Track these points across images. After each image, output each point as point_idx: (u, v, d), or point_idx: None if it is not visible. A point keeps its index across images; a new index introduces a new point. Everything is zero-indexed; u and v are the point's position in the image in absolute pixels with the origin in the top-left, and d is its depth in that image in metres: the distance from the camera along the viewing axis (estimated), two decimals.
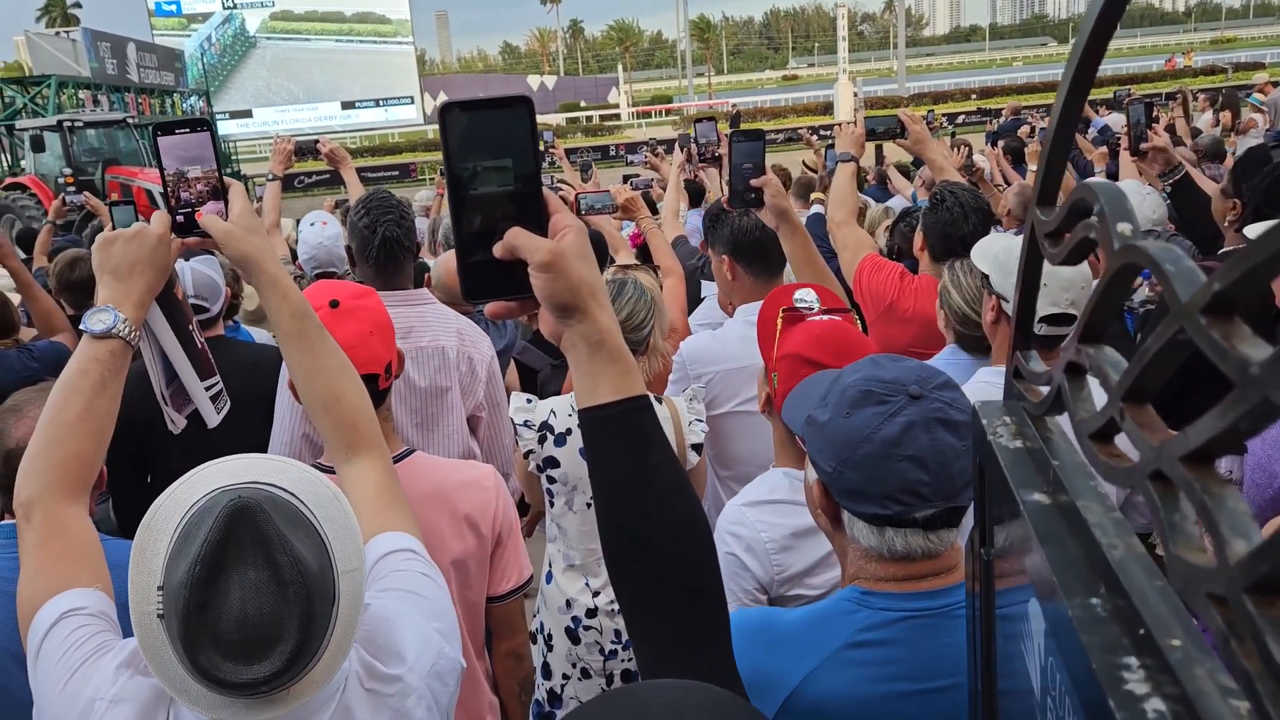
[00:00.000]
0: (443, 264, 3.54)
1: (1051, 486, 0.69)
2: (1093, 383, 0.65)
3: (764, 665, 1.05)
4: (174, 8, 44.89)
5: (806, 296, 1.99)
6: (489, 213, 0.91)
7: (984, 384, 2.20)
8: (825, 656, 1.24)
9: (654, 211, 5.88)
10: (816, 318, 1.93)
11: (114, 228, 4.39)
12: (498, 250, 0.90)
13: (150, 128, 1.52)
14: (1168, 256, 0.48)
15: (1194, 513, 0.44)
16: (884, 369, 1.29)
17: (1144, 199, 3.11)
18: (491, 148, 0.90)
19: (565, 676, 2.67)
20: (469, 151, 0.90)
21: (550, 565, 2.73)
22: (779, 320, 1.94)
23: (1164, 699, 0.46)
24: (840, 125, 3.53)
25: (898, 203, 6.89)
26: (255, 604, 1.00)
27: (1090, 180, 0.62)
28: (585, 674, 2.65)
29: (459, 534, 1.90)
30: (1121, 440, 0.58)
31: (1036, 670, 0.69)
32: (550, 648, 2.68)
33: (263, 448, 2.27)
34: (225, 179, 1.46)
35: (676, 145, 6.81)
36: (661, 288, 3.32)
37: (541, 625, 2.73)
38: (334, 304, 1.79)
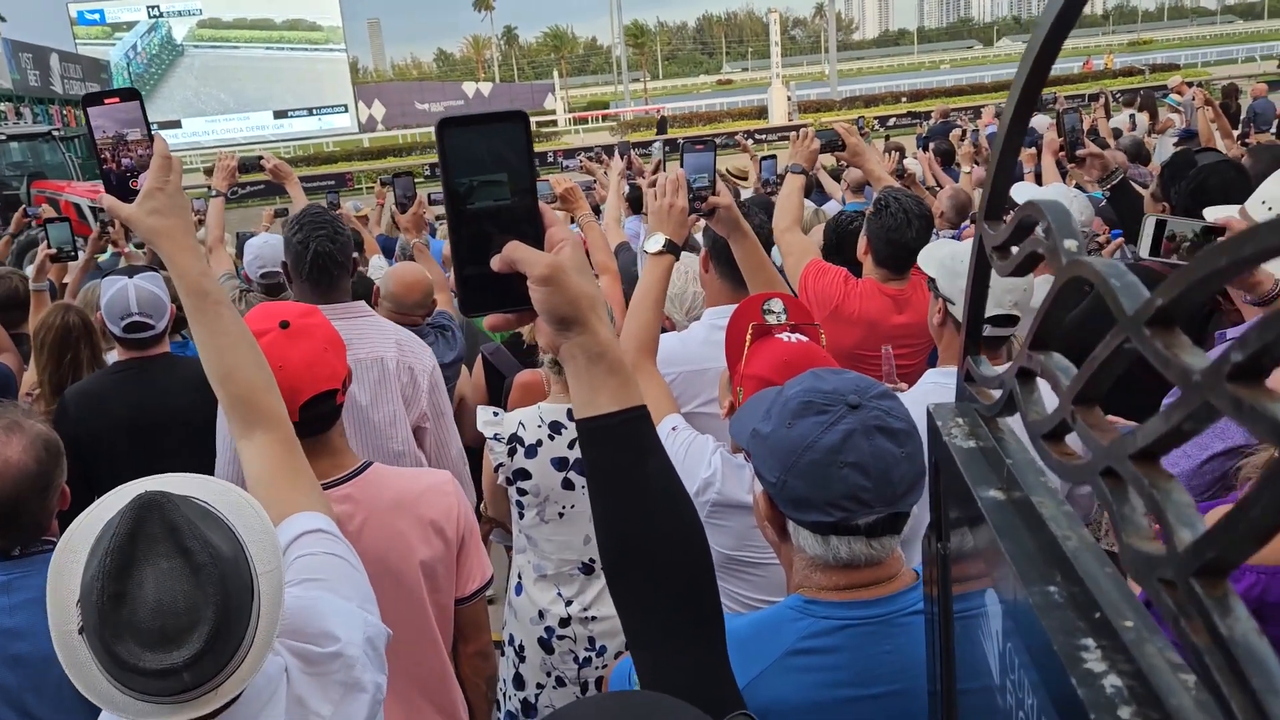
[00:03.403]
0: (393, 276, 3.53)
1: (1006, 483, 0.74)
2: (1042, 385, 0.70)
3: None
4: (97, 16, 43.76)
5: (776, 307, 2.03)
6: (486, 227, 0.92)
7: (933, 384, 2.27)
8: (768, 664, 1.28)
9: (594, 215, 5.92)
10: (785, 333, 1.97)
11: (49, 246, 4.28)
12: (496, 264, 0.91)
13: (80, 101, 1.53)
14: (1112, 272, 0.53)
15: (1143, 505, 0.49)
16: (824, 380, 1.33)
17: (1071, 202, 3.23)
18: (488, 163, 0.92)
19: (539, 686, 2.68)
20: (466, 167, 0.91)
21: (519, 577, 2.74)
22: (748, 334, 1.98)
23: (1119, 675, 0.50)
24: (794, 136, 3.58)
25: (832, 206, 7.01)
26: (170, 591, 1.01)
27: (1036, 199, 0.66)
28: (560, 682, 2.67)
29: (425, 540, 1.93)
30: (1072, 439, 0.63)
31: (995, 658, 0.73)
32: (522, 659, 2.69)
33: (212, 467, 2.26)
34: (156, 145, 1.47)
35: (616, 152, 6.85)
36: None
37: (511, 637, 2.74)
38: (284, 324, 1.80)
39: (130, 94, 1.49)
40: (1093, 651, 0.53)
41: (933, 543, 0.97)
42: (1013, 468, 0.73)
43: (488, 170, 0.92)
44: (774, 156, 7.07)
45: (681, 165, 2.41)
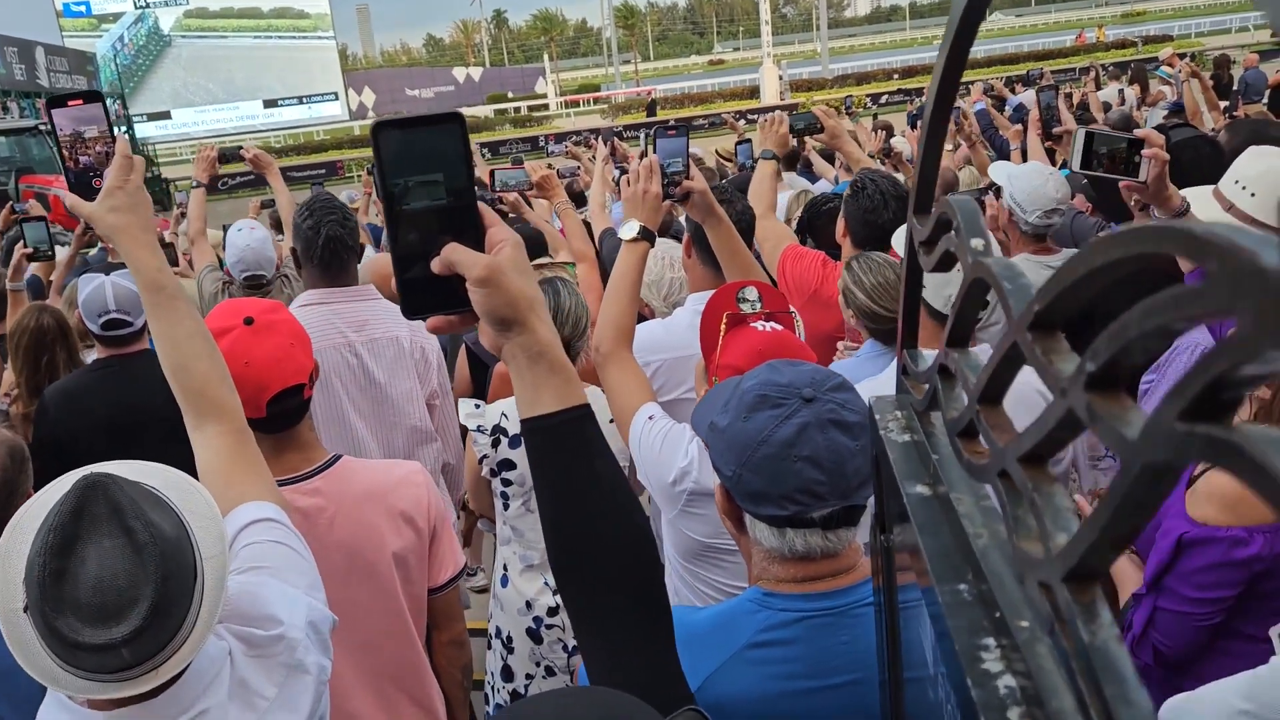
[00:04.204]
0: (371, 267, 3.53)
1: (932, 479, 0.74)
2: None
3: None
4: (83, 8, 43.38)
5: (750, 295, 2.03)
6: (425, 228, 0.92)
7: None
8: (727, 656, 1.29)
9: (580, 204, 5.90)
10: (759, 322, 1.97)
11: (25, 245, 4.26)
12: (435, 266, 0.91)
13: (44, 103, 1.62)
14: (1006, 274, 0.53)
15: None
16: (780, 374, 1.34)
17: (1048, 180, 3.22)
18: (424, 164, 0.91)
19: (529, 676, 2.69)
20: (402, 168, 0.91)
21: (505, 569, 2.75)
22: (723, 324, 1.98)
23: (1014, 675, 0.51)
24: (762, 120, 3.56)
25: (822, 186, 6.98)
26: (111, 568, 1.04)
27: (951, 196, 0.66)
28: (550, 672, 2.68)
29: (396, 530, 1.94)
30: None
31: (929, 649, 0.74)
32: (510, 650, 2.70)
33: (193, 463, 2.27)
34: (118, 145, 1.53)
35: (600, 138, 6.82)
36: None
37: (499, 629, 2.74)
38: (249, 321, 1.80)
39: (93, 96, 1.55)
40: (992, 651, 0.53)
41: (876, 534, 0.97)
42: (938, 463, 0.73)
43: (424, 171, 0.91)
44: (748, 141, 7.03)
45: (655, 151, 2.40)
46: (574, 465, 0.96)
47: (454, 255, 0.90)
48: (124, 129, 30.79)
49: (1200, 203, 2.15)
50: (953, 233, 0.64)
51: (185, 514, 1.15)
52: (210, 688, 1.17)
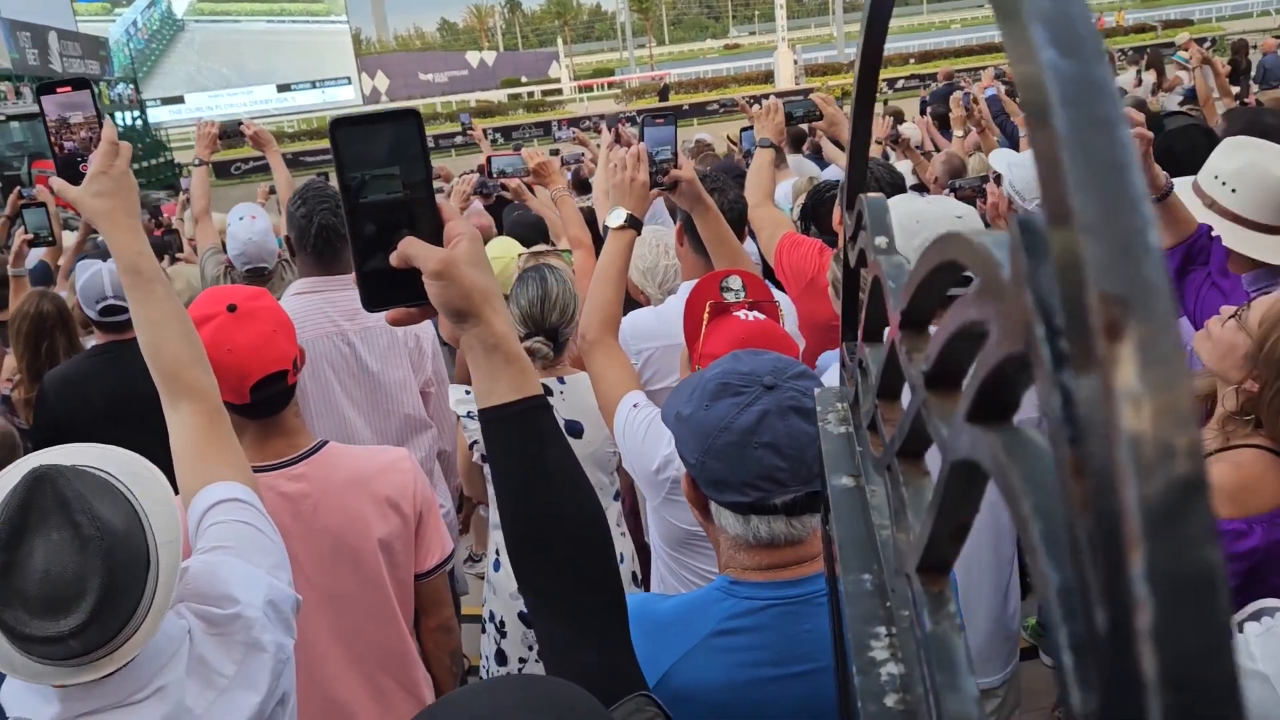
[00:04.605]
0: None
1: (855, 470, 0.75)
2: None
3: (640, 651, 1.12)
4: None
5: (734, 284, 2.04)
6: (382, 222, 0.94)
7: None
8: (693, 644, 1.31)
9: (585, 190, 5.90)
10: (743, 310, 1.98)
11: (26, 231, 4.29)
12: (393, 260, 0.94)
13: (34, 88, 1.65)
14: (892, 274, 0.54)
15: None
16: (742, 362, 1.35)
17: None
18: (381, 158, 0.94)
19: (522, 660, 2.72)
20: (359, 162, 0.93)
21: (498, 553, 2.77)
22: (706, 312, 1.99)
23: (895, 663, 0.52)
24: (758, 108, 3.53)
25: (832, 172, 6.97)
26: (58, 562, 1.06)
27: (865, 195, 0.67)
28: None
29: (382, 516, 1.96)
30: None
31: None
32: (503, 634, 2.73)
33: None
34: (104, 131, 1.56)
35: (604, 124, 6.81)
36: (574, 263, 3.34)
37: (492, 614, 2.77)
38: (231, 308, 1.82)
39: (81, 83, 1.60)
40: (881, 640, 0.55)
41: (823, 523, 0.99)
42: (861, 455, 0.75)
43: (381, 165, 0.94)
44: (751, 127, 6.99)
45: (642, 139, 2.40)
46: (528, 454, 0.98)
47: (409, 249, 0.93)
48: (137, 114, 30.91)
49: (1183, 196, 2.12)
50: (864, 230, 0.65)
51: (141, 501, 1.17)
52: (168, 665, 1.20)
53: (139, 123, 30.89)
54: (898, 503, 0.52)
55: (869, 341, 0.67)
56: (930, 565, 0.42)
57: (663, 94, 36.23)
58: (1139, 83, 11.02)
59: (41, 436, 2.80)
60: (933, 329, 0.48)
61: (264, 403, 1.84)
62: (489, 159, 4.42)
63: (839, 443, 0.82)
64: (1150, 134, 2.12)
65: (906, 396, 0.63)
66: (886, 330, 0.53)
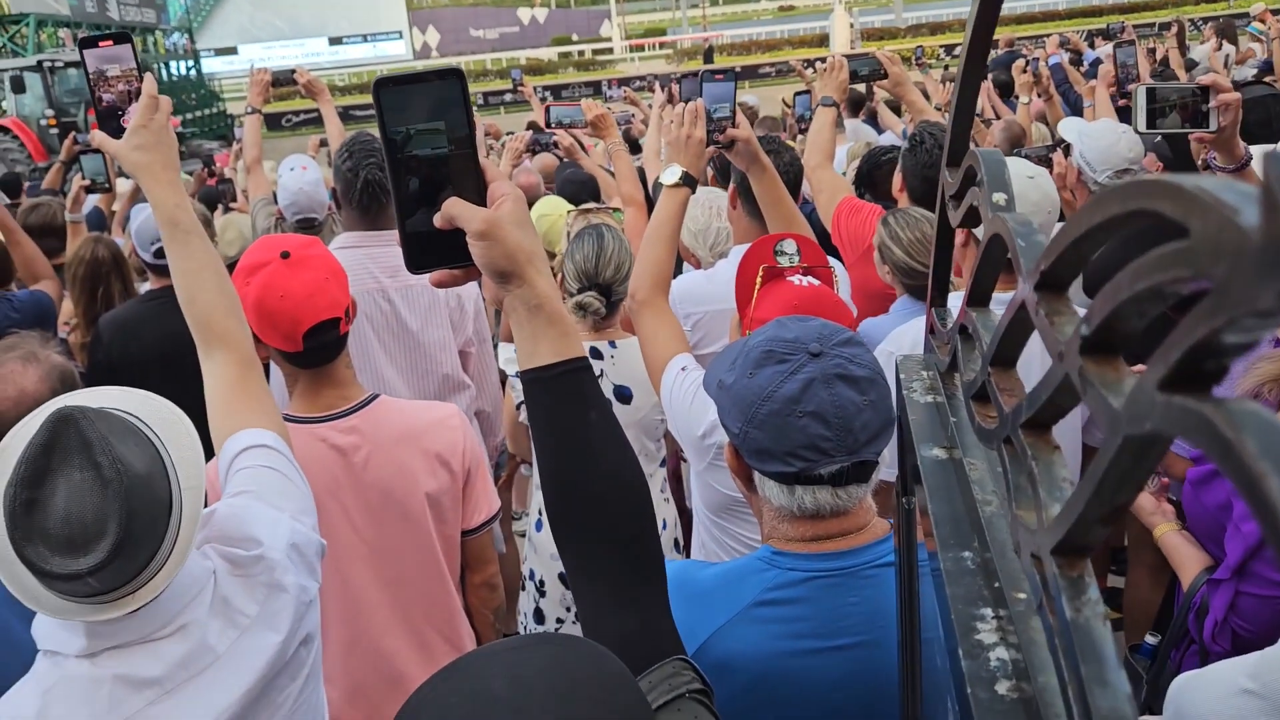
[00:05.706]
0: None
1: (949, 442, 0.72)
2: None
3: (679, 618, 1.11)
4: None
5: (788, 248, 1.99)
6: (425, 180, 0.94)
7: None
8: (734, 613, 1.28)
9: (635, 150, 5.83)
10: (796, 275, 1.94)
11: (84, 177, 4.33)
12: (437, 220, 0.94)
13: (78, 43, 1.66)
14: (1021, 231, 0.50)
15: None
16: (787, 329, 1.31)
17: (1120, 138, 3.09)
18: (425, 114, 0.93)
19: (559, 620, 2.72)
20: (403, 117, 0.93)
21: (540, 513, 2.77)
22: (759, 276, 1.95)
23: (1007, 648, 0.49)
24: (820, 66, 3.45)
25: (889, 138, 6.82)
26: (78, 502, 1.08)
27: (981, 149, 0.63)
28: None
29: (431, 471, 1.96)
30: None
31: (936, 615, 0.72)
32: (543, 594, 2.73)
33: None
34: (144, 85, 1.59)
35: (658, 84, 6.73)
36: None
37: (532, 572, 2.77)
38: (285, 255, 1.82)
39: (123, 38, 1.63)
40: (988, 622, 0.51)
41: (898, 496, 0.96)
42: (955, 426, 0.71)
43: (424, 122, 0.94)
44: (808, 92, 6.86)
45: (701, 95, 2.34)
46: (569, 416, 0.97)
47: (453, 209, 0.93)
48: (191, 64, 31.11)
49: (1257, 163, 2.05)
50: (976, 186, 0.61)
51: (166, 445, 1.19)
52: (192, 604, 1.22)
53: (193, 73, 31.10)
54: (1020, 478, 0.48)
55: (976, 306, 0.63)
56: (1070, 548, 0.39)
57: (707, 55, 35.71)
58: (1220, 50, 10.62)
59: (95, 379, 2.83)
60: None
61: (317, 350, 1.83)
62: (548, 108, 4.38)
63: (927, 412, 0.78)
64: (1239, 96, 2.03)
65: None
66: (1013, 292, 0.49)
